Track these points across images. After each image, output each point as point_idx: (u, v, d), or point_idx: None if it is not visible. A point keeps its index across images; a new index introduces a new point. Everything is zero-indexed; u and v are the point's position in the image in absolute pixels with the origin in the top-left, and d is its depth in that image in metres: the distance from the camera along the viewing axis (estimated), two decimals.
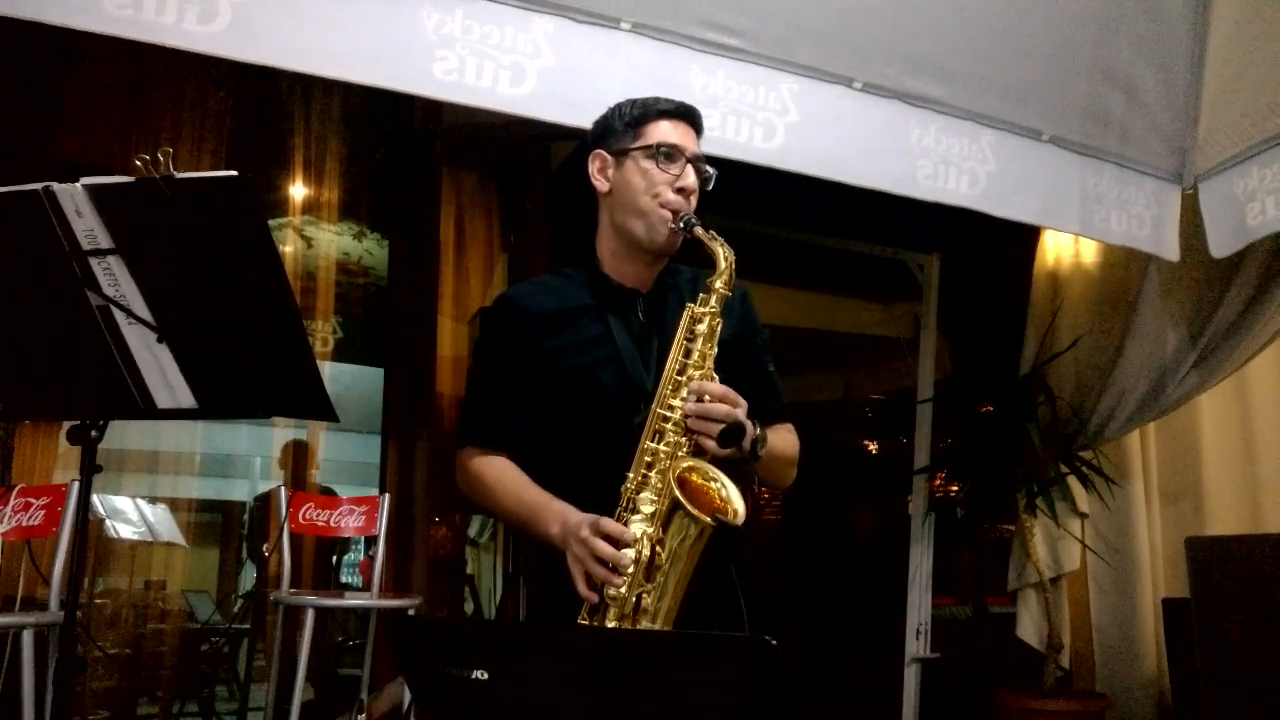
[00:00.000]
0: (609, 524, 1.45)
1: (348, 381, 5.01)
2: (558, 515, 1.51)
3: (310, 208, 4.48)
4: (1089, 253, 4.35)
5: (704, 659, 1.09)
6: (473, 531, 5.05)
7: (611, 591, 1.42)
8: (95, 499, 3.85)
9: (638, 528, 1.45)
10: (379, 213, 4.72)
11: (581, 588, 1.45)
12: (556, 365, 1.63)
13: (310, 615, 3.15)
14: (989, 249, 4.61)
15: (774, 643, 1.02)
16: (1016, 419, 4.21)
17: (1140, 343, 4.03)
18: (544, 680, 1.13)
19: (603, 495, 1.49)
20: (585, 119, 2.53)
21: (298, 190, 4.44)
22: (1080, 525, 4.26)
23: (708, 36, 2.67)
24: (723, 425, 1.48)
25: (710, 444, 1.48)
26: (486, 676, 1.11)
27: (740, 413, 1.50)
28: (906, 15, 2.91)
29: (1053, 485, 4.18)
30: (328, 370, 4.60)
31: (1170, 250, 3.37)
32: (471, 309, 4.39)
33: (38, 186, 1.53)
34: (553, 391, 1.63)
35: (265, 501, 4.70)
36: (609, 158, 1.70)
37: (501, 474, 1.64)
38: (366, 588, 3.65)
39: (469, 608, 4.60)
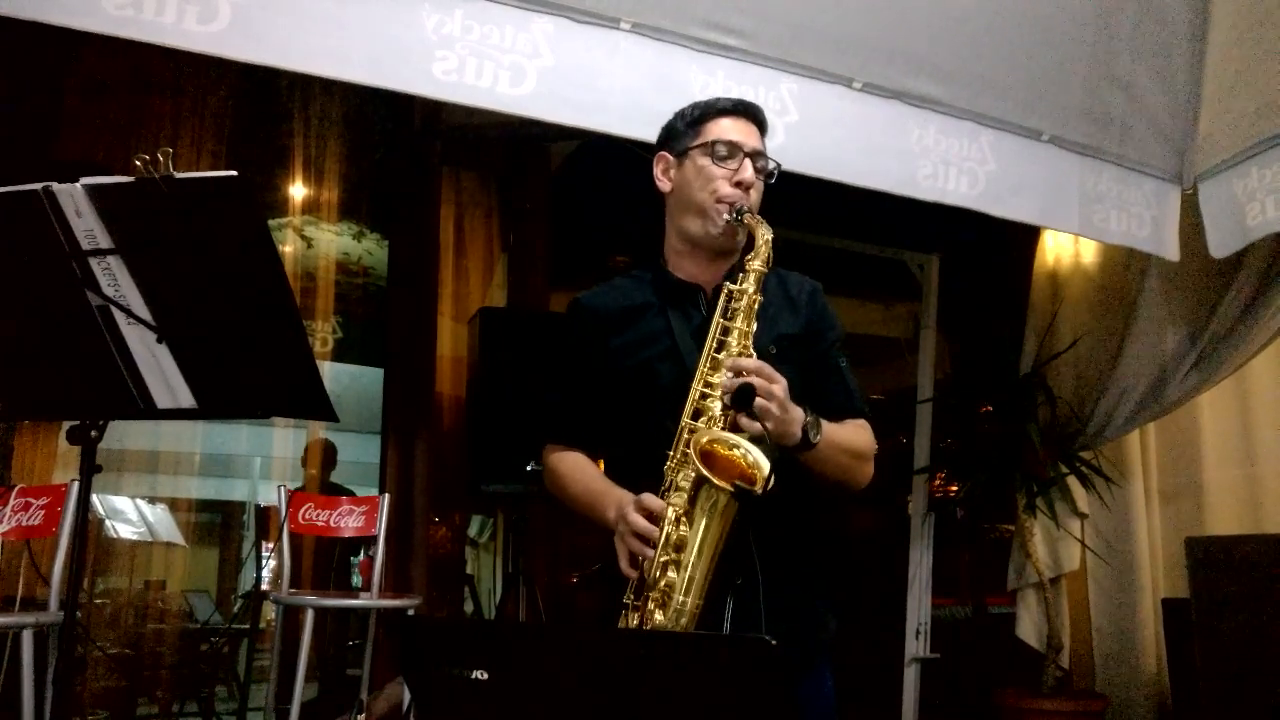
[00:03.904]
0: (649, 499, 1.47)
1: (347, 381, 5.00)
2: (615, 501, 1.55)
3: (310, 208, 4.48)
4: (1089, 253, 4.35)
5: (703, 659, 1.09)
6: (473, 531, 5.04)
7: (645, 565, 1.43)
8: (95, 499, 3.85)
9: (675, 504, 1.47)
10: (379, 213, 4.72)
11: (624, 565, 1.47)
12: (620, 362, 1.68)
13: (310, 615, 3.16)
14: (989, 249, 4.61)
15: (773, 643, 1.02)
16: (1016, 419, 4.21)
17: (1140, 343, 4.03)
18: (543, 680, 1.13)
19: (657, 482, 1.52)
20: (585, 119, 2.56)
21: (298, 190, 4.44)
22: (1080, 525, 4.26)
23: (707, 36, 2.67)
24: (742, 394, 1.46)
25: (745, 420, 1.48)
26: (486, 676, 1.11)
27: (777, 388, 1.47)
28: (906, 15, 2.91)
29: (1052, 485, 4.18)
30: (328, 370, 4.60)
31: (1170, 250, 3.37)
32: (471, 309, 4.39)
33: (37, 186, 1.53)
34: (618, 387, 1.68)
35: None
36: (671, 159, 1.73)
37: (573, 467, 1.70)
38: (366, 588, 3.65)
39: (469, 608, 4.59)
